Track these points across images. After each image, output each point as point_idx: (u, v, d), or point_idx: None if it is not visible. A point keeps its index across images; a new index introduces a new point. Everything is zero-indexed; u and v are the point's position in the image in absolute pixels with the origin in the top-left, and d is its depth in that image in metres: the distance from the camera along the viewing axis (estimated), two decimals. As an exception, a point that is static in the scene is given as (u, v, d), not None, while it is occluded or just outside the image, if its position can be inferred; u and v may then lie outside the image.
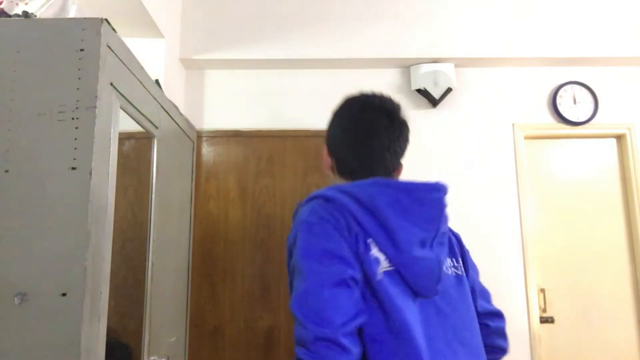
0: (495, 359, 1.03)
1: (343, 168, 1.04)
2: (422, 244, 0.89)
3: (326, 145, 1.12)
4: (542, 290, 2.33)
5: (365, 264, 0.84)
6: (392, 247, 0.86)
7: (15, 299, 0.99)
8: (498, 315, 1.07)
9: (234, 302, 2.28)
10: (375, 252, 0.86)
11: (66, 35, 1.09)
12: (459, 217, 2.34)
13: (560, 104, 2.42)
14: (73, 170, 1.04)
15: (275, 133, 2.42)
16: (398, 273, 0.86)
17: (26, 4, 1.26)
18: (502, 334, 1.05)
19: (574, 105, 2.42)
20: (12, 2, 1.26)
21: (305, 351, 0.76)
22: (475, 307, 1.01)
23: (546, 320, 2.29)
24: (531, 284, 2.27)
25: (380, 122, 1.09)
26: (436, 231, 0.94)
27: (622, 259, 2.37)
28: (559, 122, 2.43)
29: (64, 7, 1.30)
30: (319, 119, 2.44)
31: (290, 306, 0.81)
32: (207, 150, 2.41)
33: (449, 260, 1.04)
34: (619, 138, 2.47)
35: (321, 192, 0.94)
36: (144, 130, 1.48)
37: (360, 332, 0.82)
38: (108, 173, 1.13)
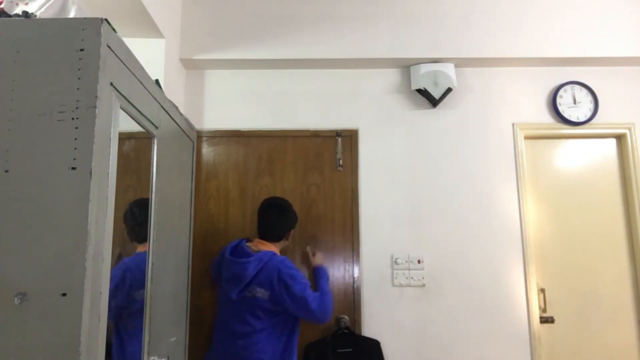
0: None
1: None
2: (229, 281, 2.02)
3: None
4: (542, 290, 2.33)
5: None
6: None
7: (15, 299, 0.99)
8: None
9: (234, 302, 2.27)
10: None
11: (66, 35, 1.09)
12: (459, 217, 2.35)
13: (560, 104, 2.42)
14: (73, 170, 1.04)
15: (275, 133, 2.42)
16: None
17: (26, 4, 1.26)
18: None
19: (574, 105, 2.42)
20: (12, 2, 1.26)
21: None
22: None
23: (546, 320, 2.29)
24: (531, 284, 2.28)
25: None
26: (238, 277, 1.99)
27: (622, 259, 2.37)
28: (559, 122, 2.43)
29: (64, 7, 1.30)
30: (319, 119, 2.45)
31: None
32: (207, 150, 2.41)
33: (256, 289, 1.94)
34: (619, 138, 2.47)
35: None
36: (144, 130, 1.48)
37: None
38: (108, 173, 1.13)
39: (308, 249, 2.28)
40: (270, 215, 2.02)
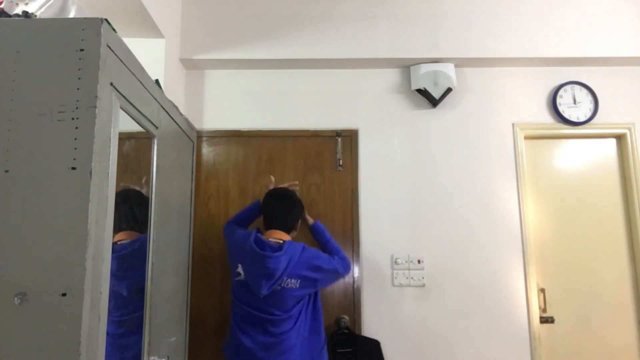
0: None
1: None
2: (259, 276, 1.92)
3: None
4: (542, 290, 2.33)
5: None
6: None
7: (15, 299, 0.99)
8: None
9: (234, 302, 2.27)
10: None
11: (66, 35, 1.09)
12: (459, 217, 2.35)
13: (560, 104, 2.42)
14: (73, 170, 1.04)
15: (275, 133, 2.42)
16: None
17: (26, 4, 1.26)
18: None
19: (574, 105, 2.42)
20: (12, 2, 1.26)
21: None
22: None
23: (546, 320, 2.29)
24: (531, 284, 2.28)
25: None
26: (267, 271, 1.89)
27: (622, 259, 2.37)
28: (559, 122, 2.43)
29: (64, 7, 1.30)
30: (319, 119, 2.45)
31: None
32: (207, 150, 2.41)
33: (286, 280, 1.92)
34: (619, 138, 2.47)
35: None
36: (144, 130, 1.48)
37: None
38: (108, 173, 1.13)
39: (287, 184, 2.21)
40: (279, 206, 2.01)
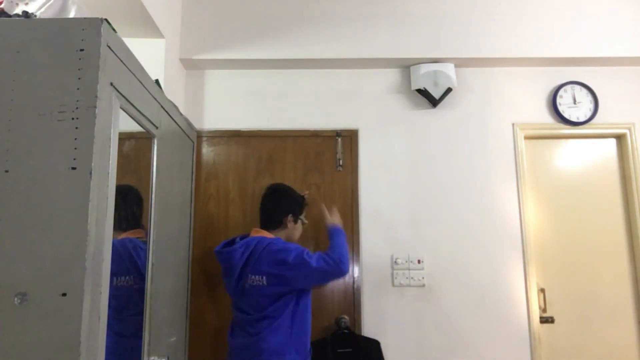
0: None
1: None
2: (225, 275, 1.93)
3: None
4: (542, 290, 2.33)
5: None
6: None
7: (15, 299, 0.99)
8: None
9: (234, 302, 2.27)
10: None
11: (66, 35, 1.09)
12: (459, 217, 2.35)
13: (560, 104, 2.42)
14: (73, 170, 1.04)
15: (275, 133, 2.42)
16: None
17: (26, 4, 1.26)
18: None
19: (574, 105, 2.42)
20: (12, 2, 1.26)
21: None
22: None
23: (546, 320, 2.29)
24: (531, 284, 2.28)
25: None
26: (230, 267, 1.90)
27: (622, 259, 2.37)
28: (559, 122, 2.43)
29: (64, 7, 1.30)
30: (319, 119, 2.45)
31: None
32: (207, 150, 2.41)
33: (251, 277, 1.83)
34: (619, 138, 2.47)
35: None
36: (144, 130, 1.48)
37: None
38: (108, 173, 1.13)
39: (322, 206, 2.11)
40: (264, 201, 1.95)
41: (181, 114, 2.03)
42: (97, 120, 1.06)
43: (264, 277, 1.74)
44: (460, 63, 2.43)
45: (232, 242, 1.89)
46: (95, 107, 1.06)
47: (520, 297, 2.27)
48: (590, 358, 2.28)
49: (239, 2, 2.43)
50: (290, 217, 1.93)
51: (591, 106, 2.42)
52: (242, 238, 1.91)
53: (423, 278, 2.28)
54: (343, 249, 1.84)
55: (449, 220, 2.34)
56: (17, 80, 1.07)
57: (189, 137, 2.19)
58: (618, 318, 2.31)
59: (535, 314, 2.26)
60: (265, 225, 1.93)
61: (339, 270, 1.76)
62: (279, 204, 1.94)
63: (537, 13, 2.41)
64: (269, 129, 2.43)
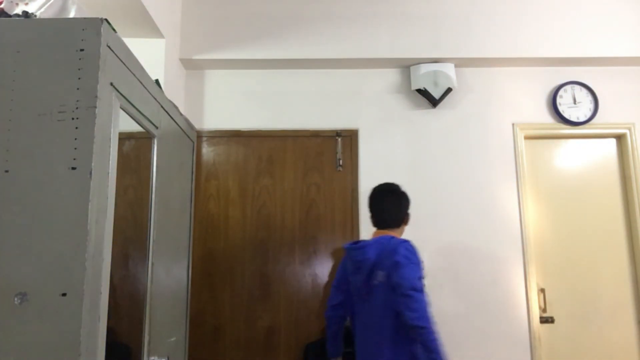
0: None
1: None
2: (353, 273, 1.83)
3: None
4: (542, 290, 2.33)
5: None
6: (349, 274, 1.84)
7: (15, 299, 0.99)
8: (407, 307, 1.67)
9: (234, 302, 2.28)
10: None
11: (66, 35, 1.09)
12: (459, 217, 2.35)
13: (560, 104, 2.42)
14: (73, 170, 1.04)
15: (275, 133, 2.42)
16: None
17: (26, 4, 1.26)
18: (406, 316, 1.66)
19: (574, 105, 2.42)
20: (12, 2, 1.26)
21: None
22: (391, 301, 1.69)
23: (546, 320, 2.29)
24: (531, 284, 2.28)
25: None
26: (362, 265, 1.79)
27: (622, 259, 2.37)
28: (559, 122, 2.43)
29: (64, 7, 1.30)
30: (319, 119, 2.45)
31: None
32: (207, 150, 2.41)
33: (379, 274, 1.76)
34: (619, 138, 2.47)
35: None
36: (144, 130, 1.48)
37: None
38: (108, 173, 1.13)
39: None
40: (384, 202, 1.88)
41: (181, 114, 2.03)
42: (97, 120, 1.06)
43: (385, 273, 1.75)
44: (460, 63, 2.43)
45: (355, 242, 1.89)
46: (95, 107, 1.06)
47: (520, 297, 2.27)
48: (590, 358, 2.28)
49: (239, 2, 2.43)
50: (408, 215, 1.95)
51: (591, 106, 2.42)
52: (357, 240, 1.92)
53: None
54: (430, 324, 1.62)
55: (449, 220, 2.34)
56: (17, 80, 1.07)
57: (189, 137, 2.19)
58: (618, 318, 2.31)
59: (535, 314, 2.26)
60: (384, 226, 1.86)
61: (415, 324, 1.58)
62: (400, 203, 1.90)
63: (537, 13, 2.41)
64: (269, 129, 2.43)
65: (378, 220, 1.89)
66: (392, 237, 1.79)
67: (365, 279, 1.74)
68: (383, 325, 1.68)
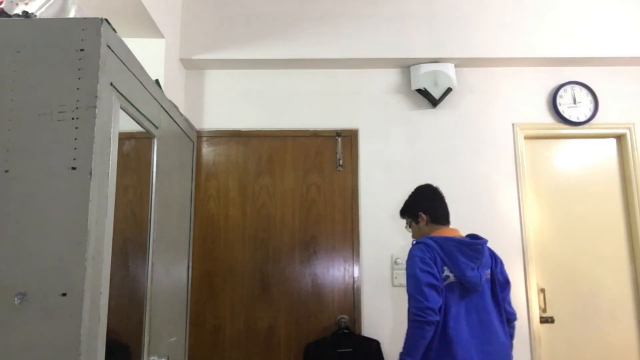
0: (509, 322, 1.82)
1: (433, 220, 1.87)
2: (472, 269, 1.73)
3: (421, 211, 1.89)
4: (542, 290, 2.33)
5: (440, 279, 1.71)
6: (456, 270, 1.72)
7: (15, 299, 0.99)
8: (509, 302, 1.85)
9: (234, 302, 2.28)
10: (447, 272, 1.73)
11: (66, 35, 1.09)
12: (459, 217, 2.35)
13: (560, 104, 2.42)
14: (73, 170, 1.04)
15: (275, 133, 2.42)
16: (459, 283, 1.73)
17: (26, 4, 1.26)
18: (510, 311, 1.83)
19: (574, 105, 2.42)
20: (12, 2, 1.26)
21: (418, 311, 1.61)
22: (498, 296, 1.79)
23: (546, 320, 2.29)
24: (531, 284, 2.28)
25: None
26: (480, 261, 1.76)
27: (622, 259, 2.37)
28: (559, 122, 2.43)
29: (64, 7, 1.30)
30: (319, 119, 2.45)
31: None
32: (207, 150, 2.41)
33: (485, 272, 1.78)
34: (619, 138, 2.47)
35: (423, 239, 1.79)
36: (144, 130, 1.48)
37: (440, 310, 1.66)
38: (108, 173, 1.13)
39: None
40: (443, 199, 1.89)
41: (181, 114, 2.03)
42: (97, 120, 1.06)
43: (489, 271, 1.82)
44: (460, 63, 2.43)
45: (459, 239, 1.79)
46: (95, 107, 1.06)
47: (520, 297, 2.27)
48: (590, 358, 2.28)
49: (239, 2, 2.43)
50: None
51: (591, 106, 2.42)
52: (450, 238, 1.81)
53: (423, 278, 2.28)
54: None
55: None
56: (17, 80, 1.07)
57: (189, 137, 2.19)
58: (618, 318, 2.31)
59: (535, 314, 2.26)
60: (448, 223, 1.88)
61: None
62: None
63: (537, 13, 2.41)
64: (269, 129, 2.43)
65: (446, 217, 1.87)
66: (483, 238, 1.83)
67: (481, 275, 1.74)
68: (496, 319, 1.75)
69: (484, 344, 1.68)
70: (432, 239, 1.77)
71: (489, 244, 2.30)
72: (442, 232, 1.83)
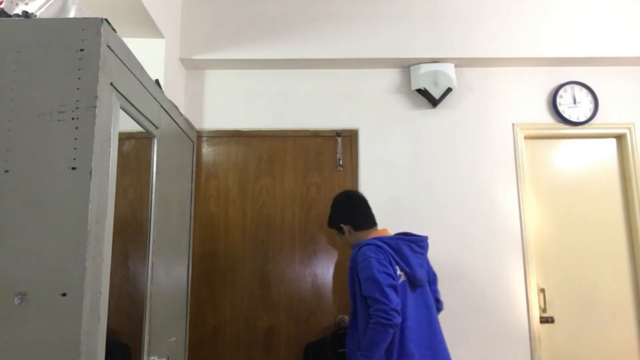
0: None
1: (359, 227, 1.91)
2: (420, 265, 1.80)
3: (341, 222, 1.93)
4: (542, 290, 2.33)
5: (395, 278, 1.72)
6: (408, 267, 1.75)
7: (15, 299, 0.99)
8: (439, 293, 1.97)
9: (234, 302, 2.28)
10: (399, 271, 1.74)
11: (66, 35, 1.09)
12: (460, 217, 2.35)
13: (560, 104, 2.42)
14: (73, 170, 1.04)
15: (275, 133, 2.42)
16: (408, 280, 1.76)
17: (26, 4, 1.26)
18: (441, 301, 1.96)
19: (574, 105, 2.42)
20: (12, 2, 1.26)
21: (383, 314, 1.61)
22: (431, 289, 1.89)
23: (546, 320, 2.29)
24: (531, 284, 2.28)
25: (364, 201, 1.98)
26: (425, 257, 1.85)
27: (622, 259, 2.37)
28: (559, 122, 2.43)
29: (64, 7, 1.30)
30: (319, 119, 2.45)
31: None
32: (207, 150, 2.41)
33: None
34: (619, 138, 2.47)
35: (370, 241, 1.79)
36: (144, 130, 1.48)
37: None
38: (108, 173, 1.13)
39: None
40: (365, 202, 1.95)
41: (181, 114, 2.03)
42: (97, 120, 1.06)
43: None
44: (460, 63, 2.43)
45: (399, 237, 1.85)
46: (95, 107, 1.06)
47: (520, 297, 2.27)
48: (590, 358, 2.28)
49: (239, 2, 2.43)
50: None
51: (591, 106, 2.42)
52: (391, 237, 1.85)
53: (423, 278, 2.28)
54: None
55: (449, 220, 2.34)
56: (17, 80, 1.07)
57: (189, 137, 2.19)
58: (618, 318, 2.31)
59: (535, 314, 2.26)
60: (375, 225, 1.93)
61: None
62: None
63: (537, 13, 2.41)
64: (269, 129, 2.43)
65: (369, 220, 1.92)
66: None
67: (426, 270, 1.82)
68: (434, 314, 1.81)
69: (433, 341, 1.74)
70: (379, 239, 1.78)
71: (488, 244, 2.32)
72: (372, 235, 1.85)
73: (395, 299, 1.65)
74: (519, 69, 2.49)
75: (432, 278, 1.91)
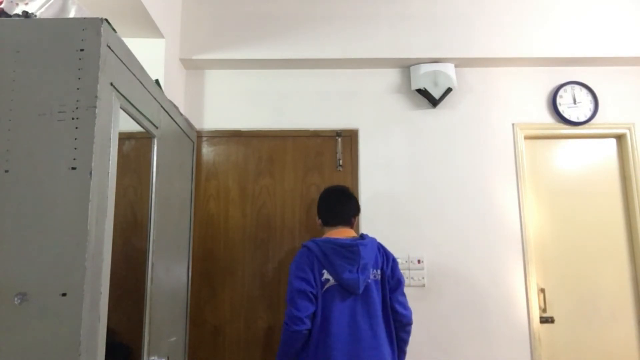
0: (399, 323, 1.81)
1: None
2: (350, 271, 1.72)
3: (317, 216, 1.97)
4: (542, 290, 2.33)
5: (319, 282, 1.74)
6: (333, 272, 1.73)
7: (15, 299, 0.99)
8: (401, 302, 1.83)
9: (234, 302, 2.28)
10: (326, 275, 1.74)
11: (66, 35, 1.09)
12: (459, 217, 2.35)
13: (560, 104, 2.42)
14: (73, 170, 1.04)
15: (275, 133, 2.42)
16: (339, 286, 1.73)
17: (26, 4, 1.26)
18: (402, 313, 1.81)
19: (574, 105, 2.42)
20: (12, 2, 1.26)
21: (287, 319, 1.67)
22: (390, 297, 1.80)
23: (546, 320, 2.29)
24: (531, 284, 2.28)
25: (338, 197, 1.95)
26: (358, 263, 1.73)
27: (622, 259, 2.37)
28: (559, 122, 2.43)
29: (64, 7, 1.30)
30: (319, 119, 2.45)
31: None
32: (207, 150, 2.41)
33: (373, 271, 1.79)
34: (619, 138, 2.47)
35: (309, 241, 1.82)
36: (144, 130, 1.48)
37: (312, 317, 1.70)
38: (108, 173, 1.13)
39: None
40: (340, 200, 1.91)
41: (181, 114, 2.03)
42: (97, 120, 1.06)
43: (380, 272, 1.82)
44: (460, 63, 2.43)
45: (333, 242, 1.79)
46: (95, 107, 1.06)
47: (520, 297, 2.27)
48: (590, 358, 2.28)
49: (239, 2, 2.43)
50: (355, 218, 1.98)
51: (591, 106, 2.42)
52: (329, 240, 1.81)
53: (423, 278, 2.28)
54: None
55: (449, 220, 2.34)
56: (17, 80, 1.07)
57: (189, 137, 2.19)
58: (618, 318, 2.31)
59: (535, 314, 2.26)
60: (344, 224, 1.90)
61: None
62: (355, 204, 1.95)
63: (537, 13, 2.41)
64: (269, 129, 2.43)
65: (336, 218, 1.89)
66: (371, 237, 1.87)
67: (359, 277, 1.72)
68: (380, 322, 1.74)
69: (357, 349, 1.67)
70: (315, 241, 1.80)
71: (488, 244, 2.32)
72: (331, 233, 1.85)
73: (303, 306, 1.66)
74: (519, 69, 2.49)
75: (392, 285, 1.81)
